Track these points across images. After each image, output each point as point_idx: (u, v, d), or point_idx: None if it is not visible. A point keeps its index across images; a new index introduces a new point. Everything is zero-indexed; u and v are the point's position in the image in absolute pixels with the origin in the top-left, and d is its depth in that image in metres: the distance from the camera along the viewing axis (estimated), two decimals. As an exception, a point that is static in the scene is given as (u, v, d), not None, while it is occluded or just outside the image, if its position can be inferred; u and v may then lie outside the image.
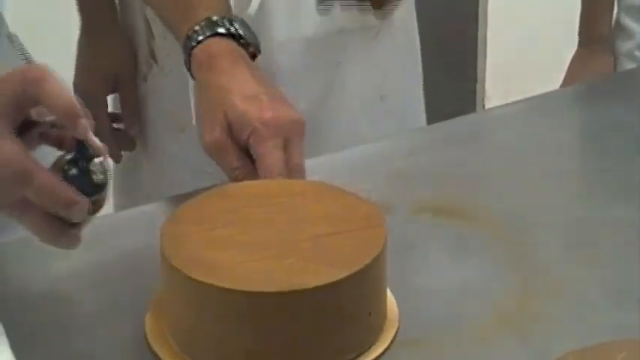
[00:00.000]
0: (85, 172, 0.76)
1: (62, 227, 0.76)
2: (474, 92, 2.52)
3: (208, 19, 0.95)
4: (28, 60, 0.82)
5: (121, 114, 1.27)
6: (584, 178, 1.06)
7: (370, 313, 0.78)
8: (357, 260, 0.76)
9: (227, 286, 0.72)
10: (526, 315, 0.82)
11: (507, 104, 1.19)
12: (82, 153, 0.76)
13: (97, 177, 0.76)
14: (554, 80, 1.43)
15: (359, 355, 0.77)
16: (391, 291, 0.82)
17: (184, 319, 0.76)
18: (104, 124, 1.25)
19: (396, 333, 0.79)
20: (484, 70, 2.52)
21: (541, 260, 0.89)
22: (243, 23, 0.97)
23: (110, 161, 0.78)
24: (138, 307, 0.80)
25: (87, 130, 0.75)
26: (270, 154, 0.87)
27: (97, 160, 0.76)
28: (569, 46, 1.45)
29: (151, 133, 1.24)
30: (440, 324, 0.81)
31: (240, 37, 0.95)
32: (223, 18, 0.96)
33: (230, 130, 0.89)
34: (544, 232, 0.92)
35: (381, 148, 1.12)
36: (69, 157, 0.76)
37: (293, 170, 0.89)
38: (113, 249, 0.89)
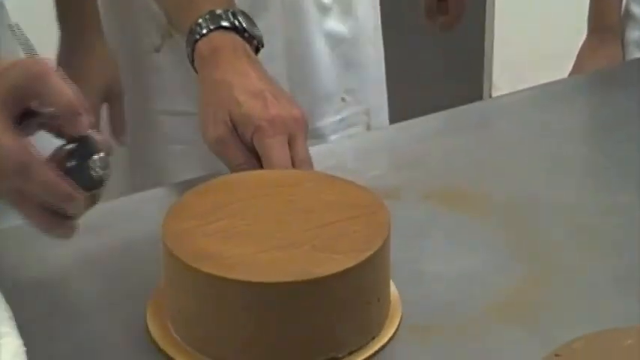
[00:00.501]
0: (84, 167, 0.75)
1: (57, 218, 0.76)
2: (481, 83, 2.52)
3: (212, 13, 0.95)
4: (31, 52, 0.81)
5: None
6: (591, 166, 1.06)
7: (379, 299, 0.78)
8: (366, 246, 0.76)
9: (241, 278, 0.72)
10: (531, 302, 0.82)
11: (514, 92, 1.19)
12: (82, 147, 0.75)
13: (96, 172, 0.75)
14: (563, 70, 1.43)
15: (369, 342, 0.77)
16: (398, 277, 0.82)
17: (191, 312, 0.75)
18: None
19: (401, 318, 0.79)
20: (491, 60, 2.52)
21: (547, 247, 0.89)
22: (247, 16, 0.97)
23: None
24: (140, 295, 0.80)
25: (87, 128, 0.74)
26: (276, 150, 0.88)
27: (96, 156, 0.75)
28: (578, 35, 1.44)
29: (163, 103, 1.24)
30: (445, 310, 0.81)
31: (244, 30, 0.95)
32: (227, 11, 0.96)
33: (234, 126, 0.89)
34: (550, 220, 0.92)
35: (389, 135, 1.12)
36: (69, 147, 0.76)
37: (300, 166, 0.89)
38: (118, 234, 0.90)
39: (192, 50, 0.95)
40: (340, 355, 0.76)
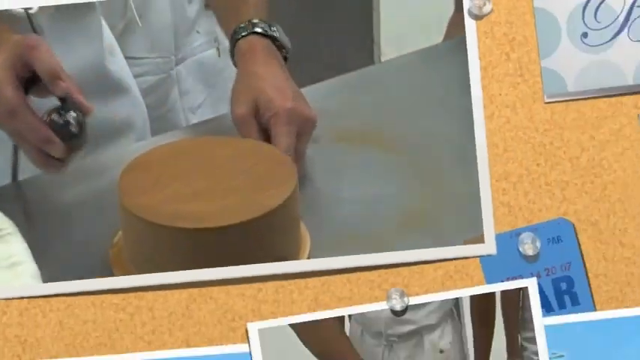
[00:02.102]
0: (63, 121, 0.93)
1: (48, 158, 0.94)
2: (372, 50, 2.59)
3: (250, 21, 1.09)
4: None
5: None
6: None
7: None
8: (291, 175, 0.93)
9: (225, 223, 0.88)
10: (428, 215, 0.96)
11: (400, 56, 1.24)
12: (64, 106, 0.94)
13: (73, 128, 0.94)
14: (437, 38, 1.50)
15: (301, 248, 0.95)
16: (321, 201, 0.99)
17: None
18: None
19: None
20: (379, 31, 2.61)
21: (440, 174, 1.01)
22: (279, 29, 1.10)
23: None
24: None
25: (65, 91, 0.93)
26: (285, 136, 1.01)
27: (73, 113, 0.93)
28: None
29: None
30: (361, 224, 0.95)
31: (276, 39, 1.09)
32: (263, 21, 1.09)
33: (256, 110, 1.03)
34: (442, 153, 1.03)
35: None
36: (55, 106, 0.94)
37: (297, 154, 1.02)
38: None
39: (234, 47, 1.08)
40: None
